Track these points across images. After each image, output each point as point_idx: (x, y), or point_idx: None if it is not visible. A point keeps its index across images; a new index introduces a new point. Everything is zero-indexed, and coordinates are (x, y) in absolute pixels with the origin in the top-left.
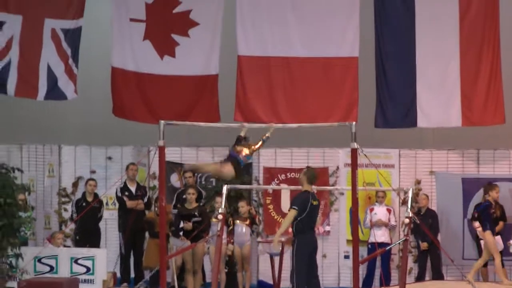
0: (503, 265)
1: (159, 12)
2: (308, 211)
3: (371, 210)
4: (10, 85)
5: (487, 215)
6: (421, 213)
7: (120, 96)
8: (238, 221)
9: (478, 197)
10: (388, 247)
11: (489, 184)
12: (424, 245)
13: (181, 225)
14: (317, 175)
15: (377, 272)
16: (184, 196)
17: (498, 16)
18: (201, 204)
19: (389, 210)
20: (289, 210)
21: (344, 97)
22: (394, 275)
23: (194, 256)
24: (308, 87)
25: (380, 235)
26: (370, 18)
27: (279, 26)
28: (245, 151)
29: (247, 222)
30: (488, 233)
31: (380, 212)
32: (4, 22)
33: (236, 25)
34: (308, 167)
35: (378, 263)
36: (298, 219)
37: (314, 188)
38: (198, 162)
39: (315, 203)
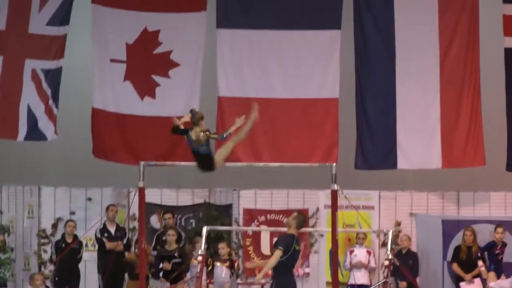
0: None
1: (139, 53)
2: (290, 254)
3: (351, 252)
4: None
5: (491, 255)
6: (402, 253)
7: (100, 137)
8: (218, 263)
9: (457, 239)
10: None
11: (497, 224)
12: (403, 285)
13: (161, 265)
14: (306, 221)
15: None
16: (164, 238)
17: (478, 57)
18: (181, 245)
19: (369, 252)
20: (274, 250)
21: (325, 138)
22: None
23: None
24: (289, 128)
25: (360, 277)
26: (351, 58)
27: (260, 68)
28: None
29: (227, 264)
30: (491, 274)
31: (360, 254)
32: None
33: (217, 66)
34: (299, 211)
35: None
36: (279, 260)
37: None
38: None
39: (297, 248)
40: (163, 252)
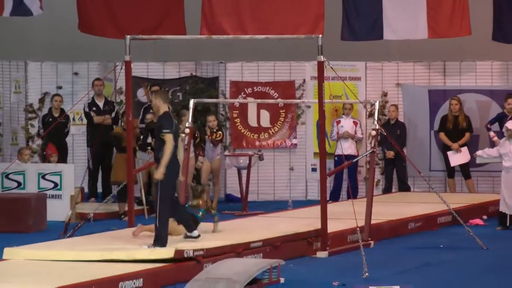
0: (470, 177)
1: None
2: (175, 132)
3: (338, 122)
4: None
5: (502, 126)
6: (391, 124)
7: (86, 11)
8: (207, 137)
9: (444, 109)
10: (355, 159)
11: (507, 94)
12: (390, 154)
13: (149, 140)
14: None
15: (344, 184)
16: (150, 111)
17: None
18: None
19: (355, 123)
20: (162, 135)
21: (311, 10)
22: (361, 187)
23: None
24: (275, 0)
25: (347, 148)
26: None
27: None
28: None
29: (218, 137)
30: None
31: (346, 124)
32: None
33: None
34: (155, 91)
35: (345, 175)
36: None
37: (281, 101)
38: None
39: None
40: (151, 125)
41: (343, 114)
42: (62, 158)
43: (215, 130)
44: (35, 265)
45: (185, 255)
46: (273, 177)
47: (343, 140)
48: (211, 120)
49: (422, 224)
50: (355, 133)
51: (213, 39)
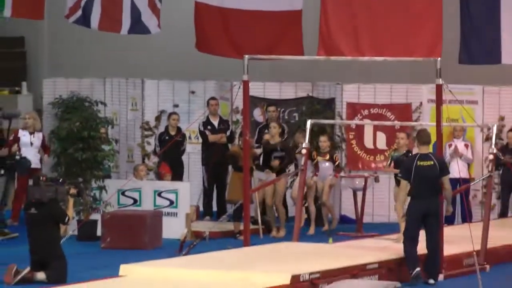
0: None
1: None
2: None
3: (450, 145)
4: (94, 19)
5: None
6: (509, 148)
7: (203, 30)
8: (319, 158)
9: None
10: (473, 183)
11: None
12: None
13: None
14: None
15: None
16: (266, 131)
17: None
18: (283, 139)
19: (466, 145)
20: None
21: (428, 33)
22: (476, 211)
23: (275, 192)
24: (392, 22)
25: (459, 171)
26: None
27: None
28: None
29: (327, 158)
30: None
31: (458, 147)
32: None
33: None
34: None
35: (458, 198)
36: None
37: (398, 124)
38: None
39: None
40: (266, 145)
41: (453, 137)
42: (178, 176)
43: (325, 151)
44: (151, 283)
45: (301, 279)
46: (388, 199)
47: (453, 162)
48: (324, 141)
49: None
50: (466, 154)
51: (330, 60)
